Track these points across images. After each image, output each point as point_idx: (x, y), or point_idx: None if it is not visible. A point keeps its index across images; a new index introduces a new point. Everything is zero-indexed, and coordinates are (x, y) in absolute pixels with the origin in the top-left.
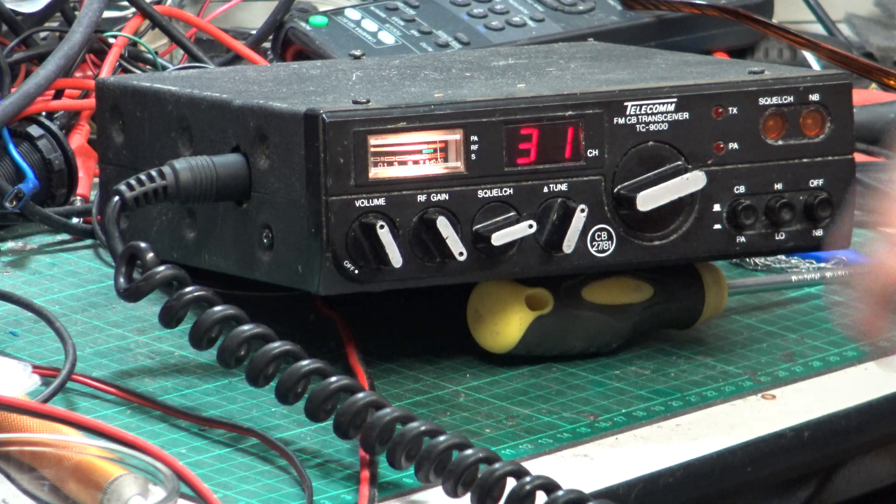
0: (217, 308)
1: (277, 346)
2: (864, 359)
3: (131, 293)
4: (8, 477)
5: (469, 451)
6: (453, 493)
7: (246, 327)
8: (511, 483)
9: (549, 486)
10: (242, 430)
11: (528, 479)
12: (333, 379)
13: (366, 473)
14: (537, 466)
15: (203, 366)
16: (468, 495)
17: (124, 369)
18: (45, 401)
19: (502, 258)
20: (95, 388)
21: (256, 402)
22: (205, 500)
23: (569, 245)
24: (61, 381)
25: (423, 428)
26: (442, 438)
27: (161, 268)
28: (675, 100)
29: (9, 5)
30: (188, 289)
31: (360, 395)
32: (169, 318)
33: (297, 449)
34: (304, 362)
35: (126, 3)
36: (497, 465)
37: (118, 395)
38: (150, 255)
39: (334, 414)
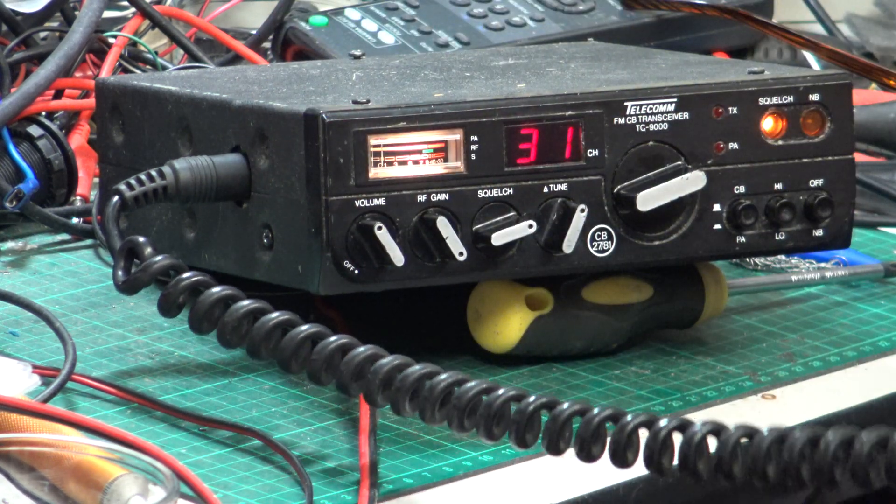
0: (214, 289)
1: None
2: (864, 359)
3: (129, 285)
4: (8, 477)
5: (470, 384)
6: (461, 428)
7: (244, 303)
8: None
9: (583, 410)
10: (242, 430)
11: (530, 398)
12: (333, 339)
13: (366, 473)
14: (537, 466)
15: (203, 366)
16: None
17: (124, 369)
18: (45, 401)
19: (502, 258)
20: (95, 388)
21: (256, 401)
22: (205, 500)
23: (569, 245)
24: (61, 381)
25: (422, 371)
26: (442, 376)
27: (158, 258)
28: (675, 100)
29: (9, 5)
30: (185, 274)
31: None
32: (168, 306)
33: (297, 449)
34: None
35: (126, 3)
36: (500, 392)
37: (118, 395)
38: (149, 248)
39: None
